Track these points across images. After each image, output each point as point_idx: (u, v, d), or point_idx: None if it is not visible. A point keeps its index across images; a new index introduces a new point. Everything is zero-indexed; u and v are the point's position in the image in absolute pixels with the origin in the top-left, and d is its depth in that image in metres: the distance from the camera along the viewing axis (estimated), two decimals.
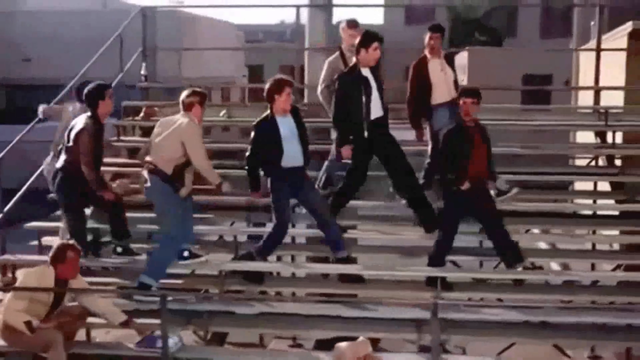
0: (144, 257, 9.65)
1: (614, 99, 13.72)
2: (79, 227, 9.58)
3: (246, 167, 9.30)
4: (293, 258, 10.64)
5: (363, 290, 9.59)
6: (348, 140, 9.42)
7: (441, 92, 10.03)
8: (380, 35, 9.44)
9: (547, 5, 41.37)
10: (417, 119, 10.23)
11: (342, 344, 8.68)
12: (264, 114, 9.24)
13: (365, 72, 9.37)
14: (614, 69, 15.20)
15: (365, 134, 9.35)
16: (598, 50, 13.03)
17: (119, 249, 9.66)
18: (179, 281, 10.00)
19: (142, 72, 13.36)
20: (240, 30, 37.55)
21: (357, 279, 9.54)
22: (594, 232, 10.79)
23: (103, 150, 9.63)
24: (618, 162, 11.57)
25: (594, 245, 11.01)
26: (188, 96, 9.27)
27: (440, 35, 10.16)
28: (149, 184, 9.23)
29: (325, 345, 9.32)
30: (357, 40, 9.52)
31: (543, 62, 30.62)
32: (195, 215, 9.84)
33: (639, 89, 13.69)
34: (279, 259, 10.58)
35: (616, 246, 11.12)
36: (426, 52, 10.20)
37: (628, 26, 16.01)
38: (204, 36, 28.39)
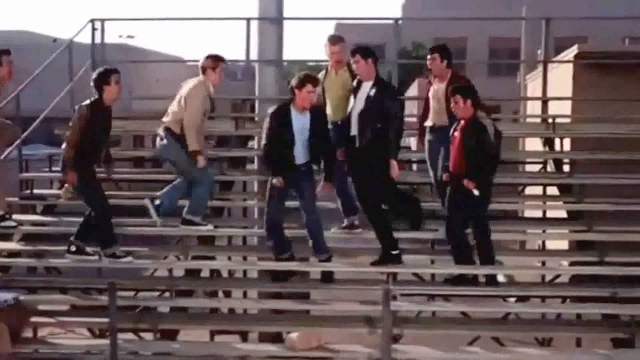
0: (96, 257, 9.49)
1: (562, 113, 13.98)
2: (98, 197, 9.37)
3: (264, 154, 9.10)
4: (245, 258, 10.56)
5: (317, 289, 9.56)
6: (340, 143, 9.32)
7: (430, 115, 9.78)
8: (370, 50, 9.32)
9: (493, 46, 42.17)
10: (420, 136, 10.14)
11: (294, 335, 8.64)
12: (283, 103, 9.15)
13: (366, 85, 9.21)
14: (562, 89, 15.60)
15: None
16: (545, 62, 13.25)
17: (74, 248, 9.46)
18: (130, 281, 9.90)
19: (92, 84, 13.17)
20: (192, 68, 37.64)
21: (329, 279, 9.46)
22: (544, 232, 10.92)
23: (106, 135, 9.47)
24: (566, 168, 11.72)
25: (543, 245, 11.14)
26: (204, 60, 9.48)
27: (439, 56, 9.59)
28: (164, 142, 9.35)
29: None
30: (338, 56, 9.69)
31: (490, 96, 30.92)
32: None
33: (584, 100, 14.04)
34: (229, 259, 10.54)
35: (565, 245, 11.25)
36: None
37: (574, 49, 16.66)
38: (154, 70, 28.42)
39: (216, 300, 9.73)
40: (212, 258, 10.55)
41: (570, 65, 16.50)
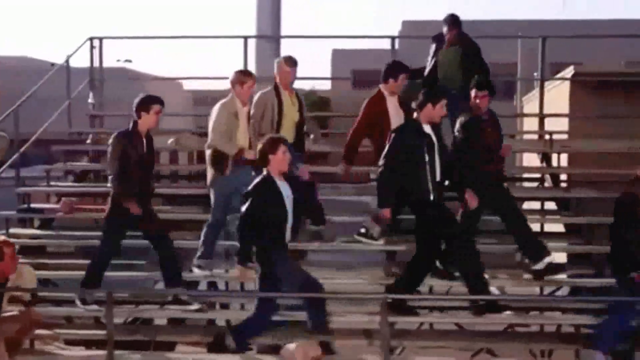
0: None
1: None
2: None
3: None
4: None
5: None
6: None
7: None
8: None
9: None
10: None
11: (292, 345, 8.54)
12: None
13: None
14: (558, 109, 15.74)
15: None
16: (542, 80, 13.35)
17: None
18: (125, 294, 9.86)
19: (90, 100, 13.23)
20: (189, 93, 37.85)
21: None
22: None
23: (133, 160, 8.79)
24: (563, 184, 11.81)
25: None
26: (232, 76, 9.45)
27: None
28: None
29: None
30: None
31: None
32: None
33: (580, 117, 14.17)
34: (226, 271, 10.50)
35: (563, 258, 11.25)
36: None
37: (570, 69, 16.87)
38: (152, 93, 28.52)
39: (214, 312, 9.65)
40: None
41: (567, 87, 16.67)
